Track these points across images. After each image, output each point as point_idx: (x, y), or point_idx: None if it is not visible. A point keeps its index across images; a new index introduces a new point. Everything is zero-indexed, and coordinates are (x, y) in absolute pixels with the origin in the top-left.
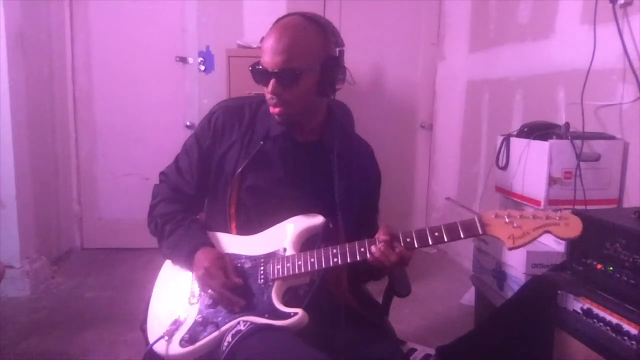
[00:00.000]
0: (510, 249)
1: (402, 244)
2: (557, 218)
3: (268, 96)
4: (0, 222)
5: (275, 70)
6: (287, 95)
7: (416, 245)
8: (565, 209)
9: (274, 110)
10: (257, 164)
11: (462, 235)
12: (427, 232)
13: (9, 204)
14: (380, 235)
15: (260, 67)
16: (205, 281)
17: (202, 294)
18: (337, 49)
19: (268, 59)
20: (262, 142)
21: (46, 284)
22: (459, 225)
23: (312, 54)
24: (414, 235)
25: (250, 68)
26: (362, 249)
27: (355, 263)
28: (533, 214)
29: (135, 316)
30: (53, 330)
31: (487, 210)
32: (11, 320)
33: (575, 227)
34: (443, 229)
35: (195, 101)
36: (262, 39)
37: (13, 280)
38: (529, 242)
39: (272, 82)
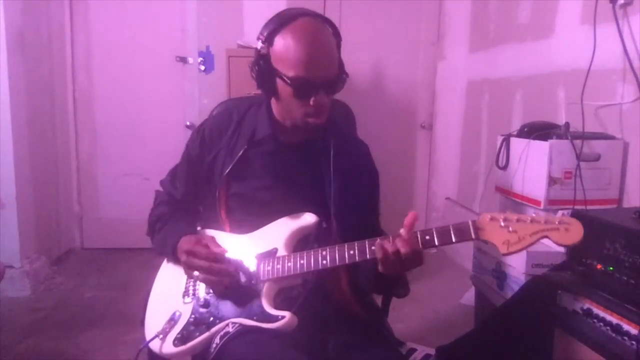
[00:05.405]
0: (504, 255)
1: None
2: (556, 222)
3: (310, 110)
4: (0, 222)
5: (325, 82)
6: (329, 103)
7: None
8: (565, 209)
9: (319, 121)
10: (241, 170)
11: (453, 240)
12: (418, 235)
13: (9, 204)
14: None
15: (304, 80)
16: (189, 263)
17: (197, 292)
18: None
19: (315, 71)
20: (246, 146)
21: (46, 284)
22: (451, 229)
23: (339, 57)
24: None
25: (292, 85)
26: (352, 252)
27: (347, 266)
28: (531, 218)
29: (135, 316)
30: (53, 330)
31: (485, 213)
32: (11, 320)
33: (575, 233)
34: (435, 232)
35: (195, 101)
36: (286, 50)
37: (13, 280)
38: (524, 248)
39: (322, 94)
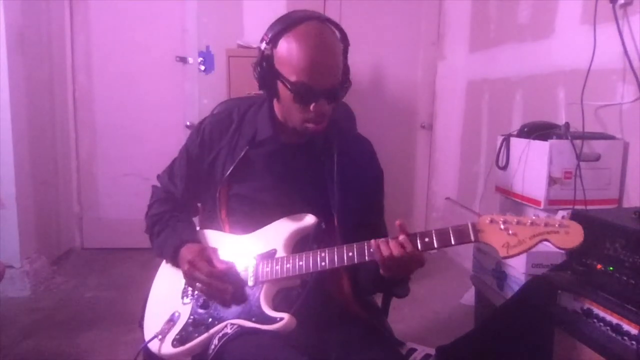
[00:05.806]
0: (504, 258)
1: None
2: (556, 225)
3: (310, 116)
4: (0, 222)
5: (326, 89)
6: (330, 110)
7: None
8: (565, 209)
9: (318, 127)
10: (242, 171)
11: (453, 242)
12: (417, 237)
13: (9, 204)
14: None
15: (305, 87)
16: (191, 275)
17: (196, 294)
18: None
19: (317, 78)
20: (247, 147)
21: (46, 284)
22: (450, 231)
23: (344, 63)
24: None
25: (293, 90)
26: (351, 254)
27: (348, 267)
28: (531, 220)
29: (135, 316)
30: (53, 330)
31: (485, 215)
32: (11, 320)
33: (575, 236)
34: (434, 235)
35: (195, 101)
36: (289, 54)
37: (13, 280)
38: (523, 252)
39: (323, 101)
